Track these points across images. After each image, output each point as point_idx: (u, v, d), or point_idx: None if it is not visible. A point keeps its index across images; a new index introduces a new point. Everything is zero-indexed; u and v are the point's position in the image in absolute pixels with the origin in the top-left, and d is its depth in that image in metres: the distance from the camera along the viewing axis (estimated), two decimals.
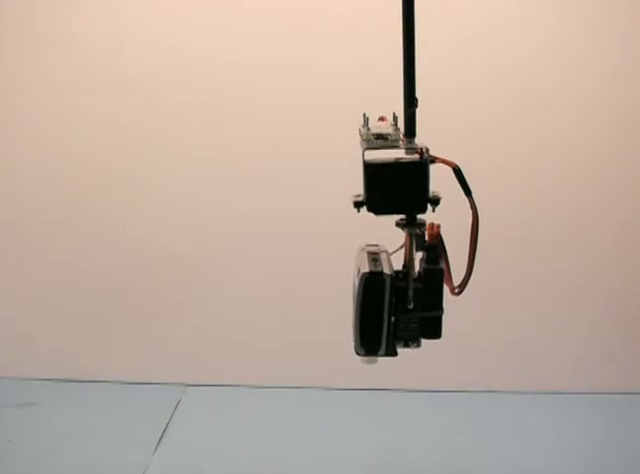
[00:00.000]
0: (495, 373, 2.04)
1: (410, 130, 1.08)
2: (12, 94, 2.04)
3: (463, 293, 1.12)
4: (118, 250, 2.08)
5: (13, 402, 2.04)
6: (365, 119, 1.09)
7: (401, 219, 1.10)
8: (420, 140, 1.08)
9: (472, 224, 1.07)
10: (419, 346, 1.14)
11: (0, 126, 2.06)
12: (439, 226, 1.11)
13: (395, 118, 1.09)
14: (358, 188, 1.09)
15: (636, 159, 1.95)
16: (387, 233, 1.12)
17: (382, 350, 1.10)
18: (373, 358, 1.13)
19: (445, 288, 1.13)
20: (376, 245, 1.15)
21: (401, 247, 1.13)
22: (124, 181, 2.06)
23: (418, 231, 1.11)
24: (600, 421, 1.92)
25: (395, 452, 1.82)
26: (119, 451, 1.83)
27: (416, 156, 1.07)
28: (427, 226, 1.11)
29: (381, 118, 1.09)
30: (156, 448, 1.84)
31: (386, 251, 1.14)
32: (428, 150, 1.06)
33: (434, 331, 1.12)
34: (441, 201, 1.08)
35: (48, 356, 2.15)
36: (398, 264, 1.13)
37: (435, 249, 1.11)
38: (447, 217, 1.09)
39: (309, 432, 1.90)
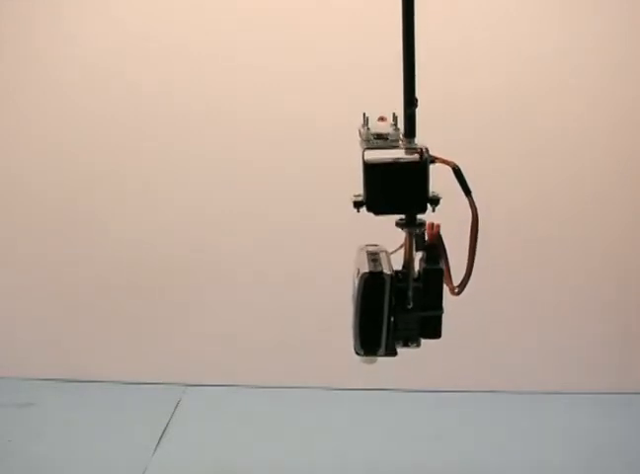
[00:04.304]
0: (495, 373, 2.04)
1: (410, 130, 1.08)
2: (12, 94, 2.04)
3: (463, 293, 1.12)
4: (118, 250, 2.08)
5: (13, 402, 2.04)
6: (365, 119, 1.09)
7: (401, 219, 1.10)
8: (419, 140, 1.08)
9: (472, 224, 1.08)
10: (418, 345, 1.14)
11: (0, 126, 2.06)
12: (438, 226, 1.11)
13: (395, 118, 1.09)
14: (357, 188, 1.09)
15: (637, 159, 1.95)
16: (387, 233, 1.12)
17: (382, 349, 1.10)
18: (373, 358, 1.13)
19: (445, 288, 1.13)
20: (376, 245, 1.15)
21: (401, 247, 1.13)
22: (125, 181, 2.05)
23: (417, 231, 1.11)
24: (600, 421, 1.92)
25: (395, 452, 1.81)
26: (119, 451, 1.83)
27: (416, 156, 1.07)
28: (426, 226, 1.11)
29: (381, 118, 1.09)
30: (156, 448, 1.84)
31: (386, 251, 1.14)
32: (427, 150, 1.07)
33: (433, 331, 1.12)
34: (441, 201, 1.08)
35: (48, 356, 2.14)
36: (398, 264, 1.13)
37: (434, 249, 1.11)
38: (447, 217, 1.09)
39: (309, 432, 1.90)
